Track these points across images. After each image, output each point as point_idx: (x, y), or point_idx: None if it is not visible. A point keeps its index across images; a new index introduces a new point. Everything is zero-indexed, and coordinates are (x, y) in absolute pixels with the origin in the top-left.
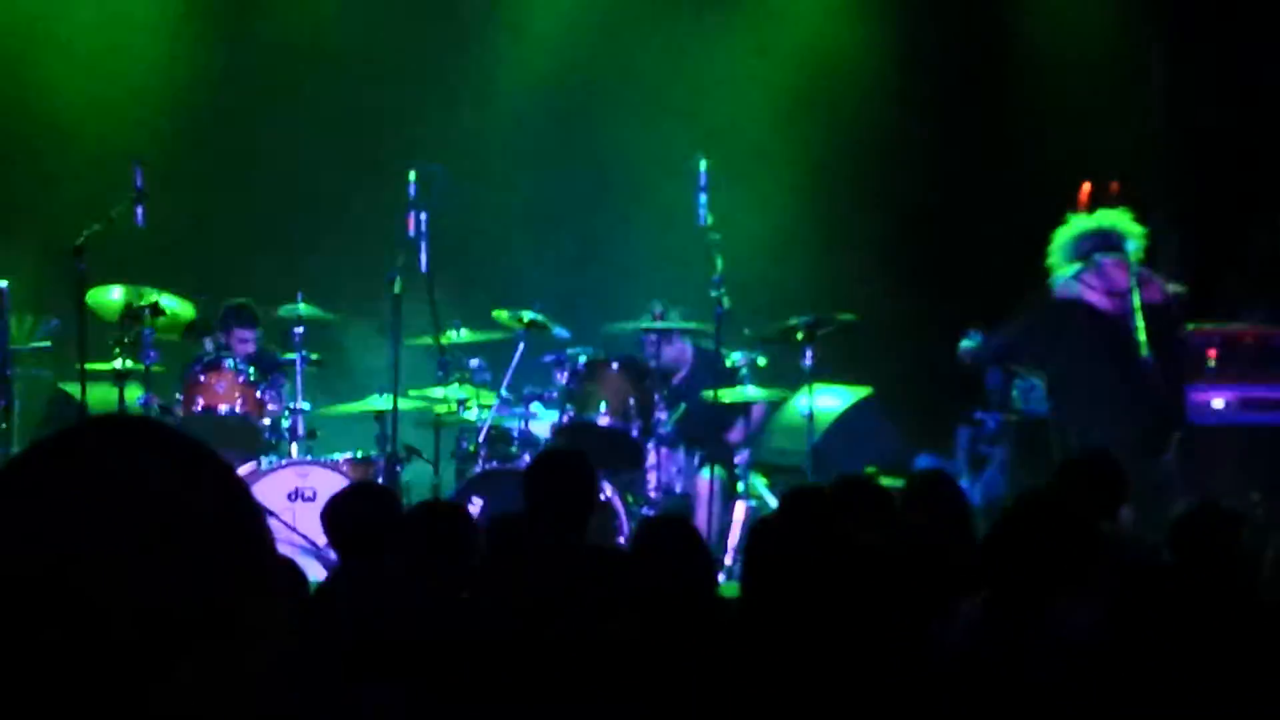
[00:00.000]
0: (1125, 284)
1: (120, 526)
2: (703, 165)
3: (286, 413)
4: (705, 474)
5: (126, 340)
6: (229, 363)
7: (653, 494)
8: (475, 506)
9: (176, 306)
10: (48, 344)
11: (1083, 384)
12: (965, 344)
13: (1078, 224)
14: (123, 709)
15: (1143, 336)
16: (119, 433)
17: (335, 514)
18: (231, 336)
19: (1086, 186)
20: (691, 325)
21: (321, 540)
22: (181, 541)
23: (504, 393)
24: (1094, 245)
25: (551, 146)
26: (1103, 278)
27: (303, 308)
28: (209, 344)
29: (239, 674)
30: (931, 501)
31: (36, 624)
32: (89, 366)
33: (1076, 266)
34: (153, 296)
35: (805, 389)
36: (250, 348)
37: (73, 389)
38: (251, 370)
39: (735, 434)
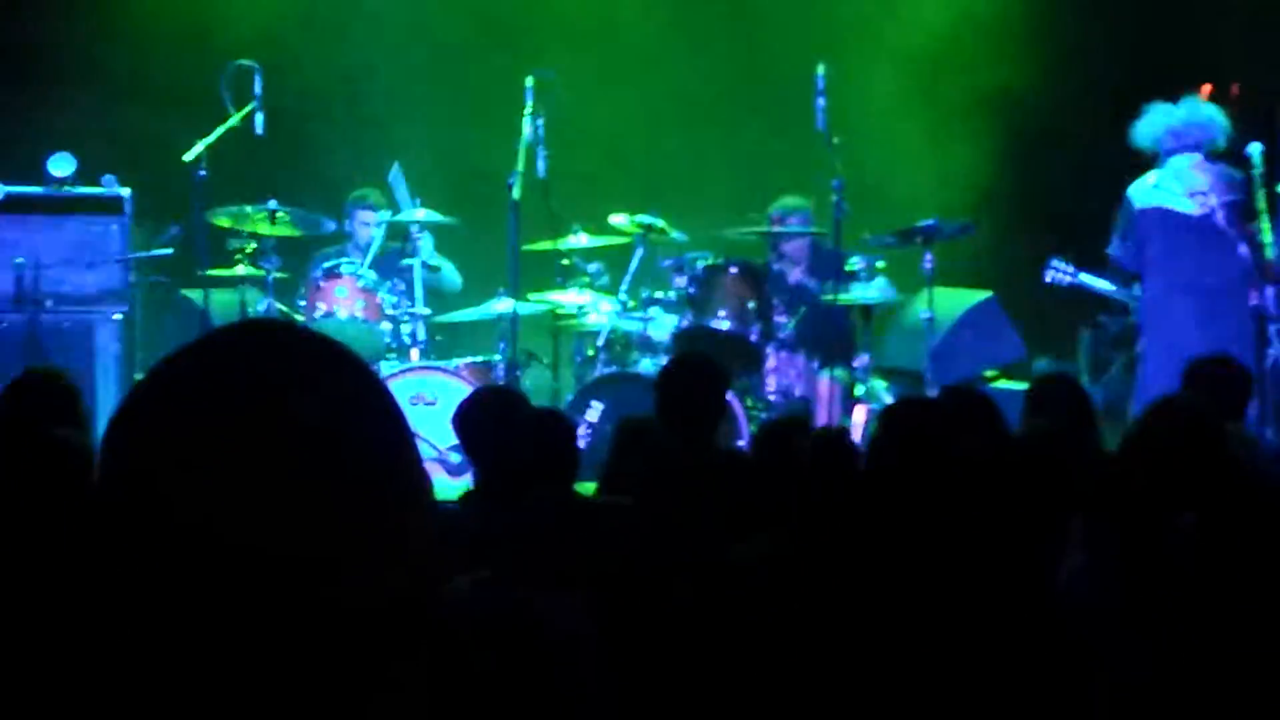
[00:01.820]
0: (1204, 184)
1: (293, 424)
2: (821, 70)
3: (406, 318)
4: (825, 377)
5: (247, 248)
6: (349, 268)
7: (772, 397)
8: (595, 411)
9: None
10: (169, 251)
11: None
12: (1055, 271)
13: (1168, 115)
14: (322, 626)
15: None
16: (266, 334)
17: (468, 418)
18: (354, 221)
19: (1207, 87)
20: (811, 230)
21: (443, 444)
22: (349, 439)
23: (623, 297)
24: (1177, 144)
25: (669, 50)
26: (1181, 179)
27: (422, 212)
28: (330, 225)
29: (404, 575)
30: (1055, 405)
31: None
32: (209, 273)
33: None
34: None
35: (924, 292)
36: (369, 232)
37: (195, 295)
38: (371, 275)
39: (854, 337)
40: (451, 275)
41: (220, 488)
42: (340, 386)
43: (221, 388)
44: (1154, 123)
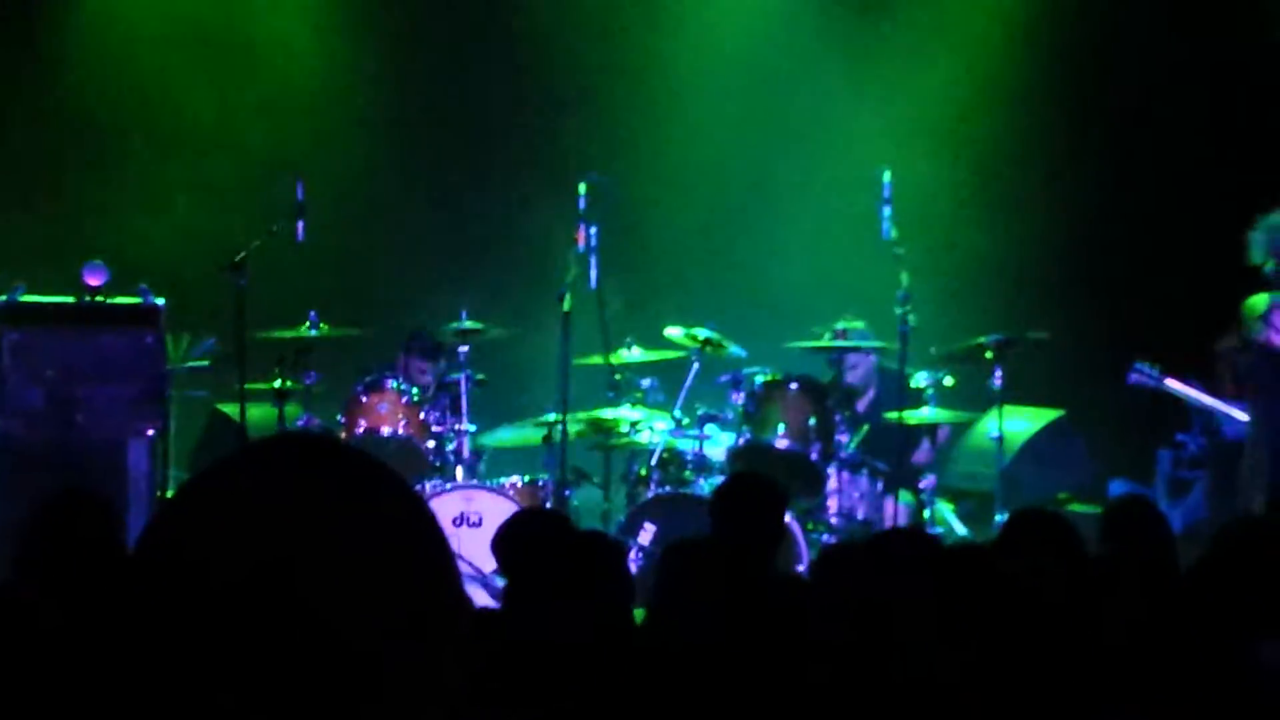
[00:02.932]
0: None
1: (334, 538)
2: (887, 177)
3: (451, 435)
4: (889, 499)
5: (286, 359)
6: (392, 383)
7: (833, 520)
8: (647, 533)
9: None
10: (205, 363)
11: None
12: (1139, 374)
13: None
14: None
15: None
16: (304, 450)
17: (508, 540)
18: (410, 366)
19: None
20: (875, 344)
21: (488, 567)
22: (387, 558)
23: (677, 414)
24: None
25: (727, 158)
26: None
27: (468, 324)
28: (377, 367)
29: (436, 694)
30: (1131, 531)
31: (259, 632)
32: (248, 386)
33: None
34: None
35: (994, 410)
36: (428, 379)
37: (231, 410)
38: (415, 391)
39: (921, 457)
40: None
41: (254, 606)
42: (379, 506)
43: (261, 502)
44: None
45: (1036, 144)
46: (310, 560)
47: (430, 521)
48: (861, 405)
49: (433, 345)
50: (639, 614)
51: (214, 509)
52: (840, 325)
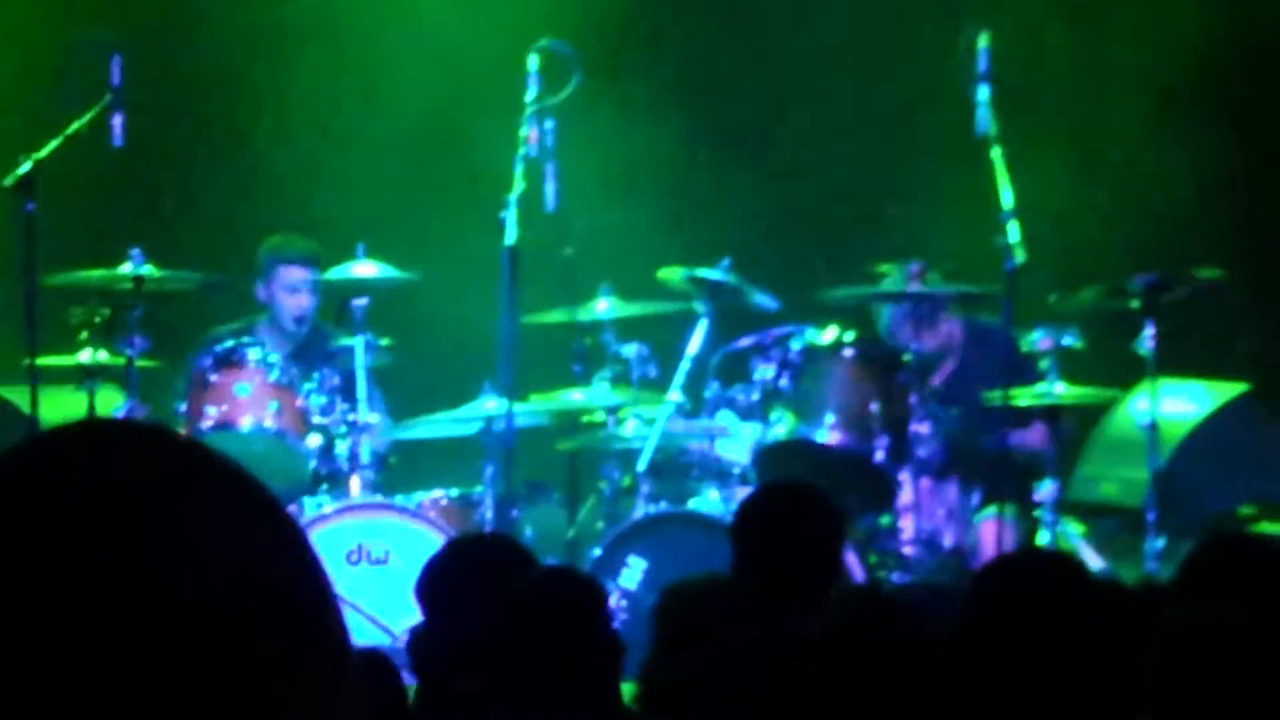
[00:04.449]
0: None
1: (167, 587)
2: (983, 42)
3: (344, 429)
4: (989, 518)
5: (98, 320)
6: (254, 353)
7: (909, 550)
8: (633, 571)
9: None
10: None
11: None
12: None
13: None
14: None
15: None
16: (107, 448)
17: (437, 584)
18: (276, 283)
19: None
20: (964, 288)
21: (400, 625)
22: (214, 615)
23: (676, 396)
24: None
25: (738, 14)
26: None
27: (366, 265)
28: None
29: None
30: None
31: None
32: (40, 362)
33: None
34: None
35: (1144, 386)
36: (305, 301)
37: (16, 395)
38: (287, 365)
39: (1035, 455)
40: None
41: (41, 646)
42: (235, 536)
43: (45, 511)
44: None
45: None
46: (132, 623)
47: (310, 559)
48: (938, 379)
49: (303, 250)
50: (628, 691)
51: None
52: (908, 264)
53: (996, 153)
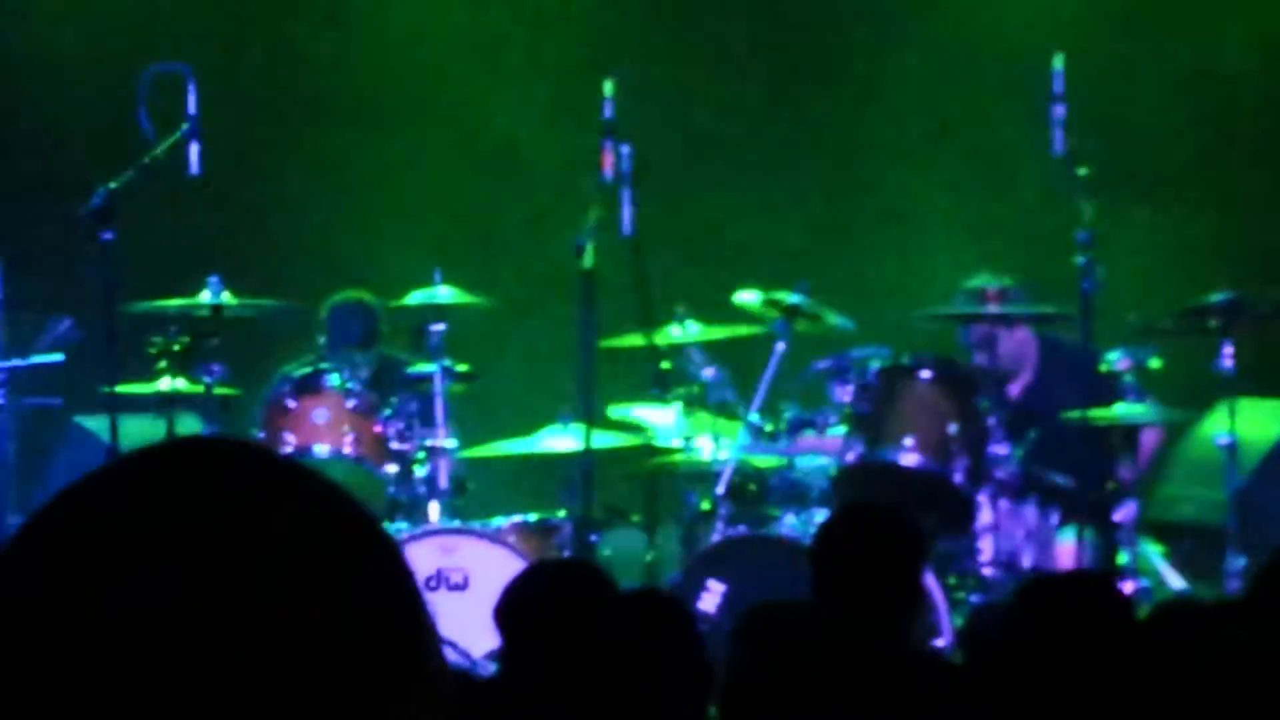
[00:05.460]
0: None
1: (258, 596)
2: (1058, 63)
3: (421, 454)
4: (1069, 538)
5: (177, 348)
6: (332, 380)
7: (988, 572)
8: (714, 595)
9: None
10: (57, 356)
11: None
12: None
13: None
14: None
15: None
16: (204, 459)
17: (516, 609)
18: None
19: None
20: (1042, 309)
21: (479, 647)
22: (340, 629)
23: (755, 418)
24: None
25: (811, 43)
26: None
27: (443, 292)
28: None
29: None
30: None
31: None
32: (120, 390)
33: None
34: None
35: (1224, 405)
36: (362, 373)
37: (96, 424)
38: (364, 391)
39: (1116, 476)
40: None
41: (139, 646)
42: (330, 551)
43: (145, 544)
44: None
45: None
46: (219, 628)
47: (407, 576)
48: (1016, 389)
49: (368, 323)
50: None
51: (71, 557)
52: (981, 282)
53: (1077, 172)
